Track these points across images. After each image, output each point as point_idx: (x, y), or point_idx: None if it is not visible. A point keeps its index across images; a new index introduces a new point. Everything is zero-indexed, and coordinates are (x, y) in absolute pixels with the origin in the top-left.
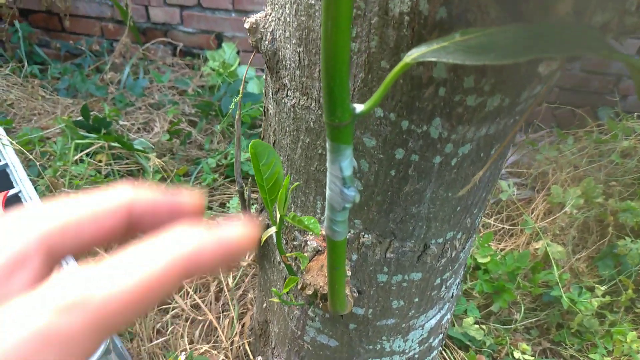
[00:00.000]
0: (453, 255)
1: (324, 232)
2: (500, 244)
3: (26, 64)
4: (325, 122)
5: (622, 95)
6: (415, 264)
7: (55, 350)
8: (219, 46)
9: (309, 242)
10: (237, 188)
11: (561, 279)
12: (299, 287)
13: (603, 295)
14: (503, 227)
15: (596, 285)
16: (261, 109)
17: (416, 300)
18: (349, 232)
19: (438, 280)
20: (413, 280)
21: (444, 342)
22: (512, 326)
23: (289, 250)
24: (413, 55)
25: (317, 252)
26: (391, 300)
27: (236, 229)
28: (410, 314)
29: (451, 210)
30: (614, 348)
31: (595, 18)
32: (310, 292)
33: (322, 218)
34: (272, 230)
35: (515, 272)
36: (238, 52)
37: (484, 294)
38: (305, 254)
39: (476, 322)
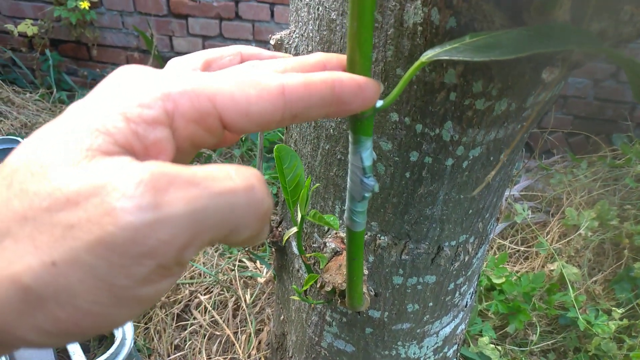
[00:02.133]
0: (466, 259)
1: (341, 234)
2: (515, 266)
3: (55, 90)
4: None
5: (637, 123)
6: (430, 266)
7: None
8: None
9: (327, 244)
10: None
11: (577, 301)
12: (318, 285)
13: (620, 319)
14: (518, 250)
15: (613, 308)
16: (279, 134)
17: (430, 304)
18: (366, 234)
19: (452, 285)
20: (427, 284)
21: (458, 353)
22: (527, 348)
23: (309, 252)
24: (428, 55)
25: (336, 253)
26: (406, 303)
27: (367, 79)
28: (425, 318)
29: (463, 213)
30: None
31: (593, 26)
32: (329, 289)
33: (341, 222)
34: (294, 230)
35: (531, 293)
36: None
37: (499, 315)
38: (325, 255)
39: (491, 343)
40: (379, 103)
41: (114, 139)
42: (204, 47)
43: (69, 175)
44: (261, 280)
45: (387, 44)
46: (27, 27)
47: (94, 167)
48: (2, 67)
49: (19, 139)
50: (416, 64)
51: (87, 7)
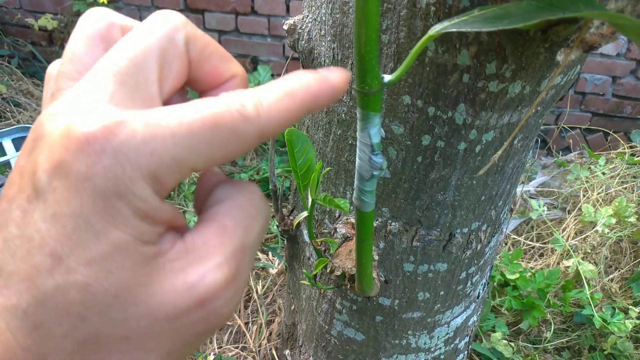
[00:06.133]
0: (478, 248)
1: (352, 220)
2: (529, 262)
3: None
4: (356, 89)
5: None
6: (441, 253)
7: (227, 135)
8: (255, 69)
9: (338, 230)
10: (270, 187)
11: (593, 299)
12: (328, 270)
13: (637, 318)
14: (533, 247)
15: (630, 307)
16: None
17: (442, 293)
18: (377, 220)
19: (463, 274)
20: (439, 271)
21: (470, 346)
22: (541, 346)
23: (319, 238)
24: (437, 28)
25: (346, 238)
26: (417, 291)
27: (337, 73)
28: (435, 307)
29: (476, 199)
30: None
31: (610, 5)
32: (339, 273)
33: (351, 207)
34: (304, 214)
35: (545, 290)
36: (272, 75)
37: (513, 311)
38: (335, 240)
39: (504, 339)
40: (387, 78)
41: (147, 237)
42: (220, 42)
43: (154, 299)
44: (273, 271)
45: (399, 26)
46: (47, 22)
47: (169, 287)
48: (22, 61)
49: None
50: (424, 37)
51: (105, 2)
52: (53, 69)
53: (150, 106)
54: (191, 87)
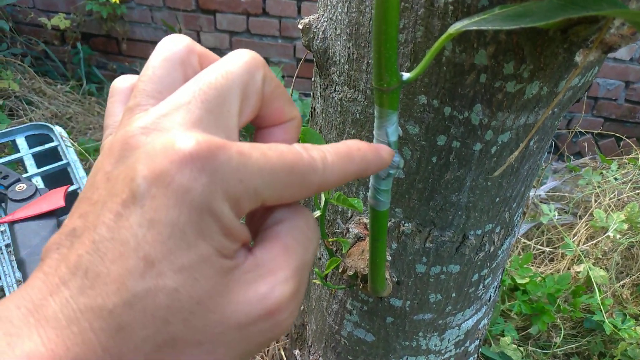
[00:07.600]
0: (491, 250)
1: (365, 220)
2: (539, 267)
3: (85, 83)
4: (374, 87)
5: None
6: (454, 255)
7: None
8: None
9: (350, 230)
10: None
11: (604, 304)
12: (340, 270)
13: None
14: (543, 252)
15: None
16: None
17: (453, 295)
18: (390, 220)
19: (476, 276)
20: (451, 273)
21: (479, 350)
22: (550, 351)
23: (331, 238)
24: (457, 26)
25: (358, 238)
26: (429, 293)
27: (387, 149)
28: (447, 309)
29: (490, 201)
30: None
31: (631, 5)
32: (351, 273)
33: (365, 208)
34: (317, 214)
35: (556, 295)
36: (283, 77)
37: (522, 316)
38: (347, 240)
39: (514, 344)
40: (406, 76)
41: (226, 252)
42: (231, 43)
43: (229, 308)
44: None
45: (417, 25)
46: (60, 21)
47: (242, 297)
48: (35, 60)
49: (49, 125)
50: (444, 36)
51: (117, 2)
52: (120, 83)
53: (230, 134)
54: (254, 122)
